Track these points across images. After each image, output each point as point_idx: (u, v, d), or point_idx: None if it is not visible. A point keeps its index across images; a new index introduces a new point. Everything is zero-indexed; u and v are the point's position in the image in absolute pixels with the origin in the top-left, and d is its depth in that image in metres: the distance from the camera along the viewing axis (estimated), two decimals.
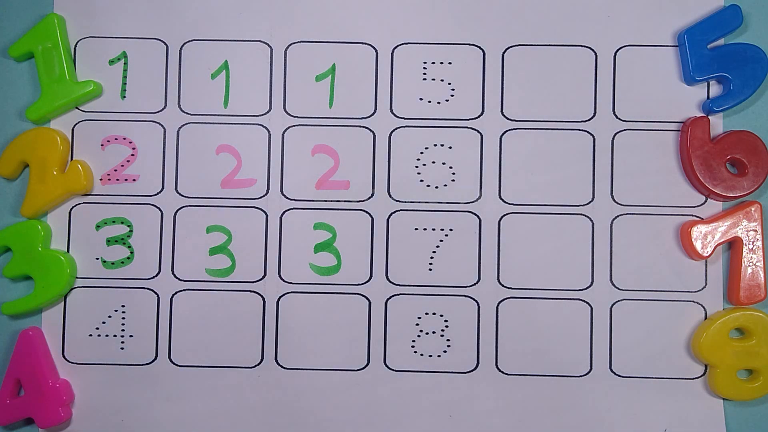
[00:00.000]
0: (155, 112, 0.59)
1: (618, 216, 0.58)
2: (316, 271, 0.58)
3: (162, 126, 0.59)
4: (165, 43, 0.59)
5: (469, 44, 0.59)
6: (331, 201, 0.58)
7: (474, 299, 0.58)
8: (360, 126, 0.59)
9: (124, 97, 0.59)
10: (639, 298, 0.58)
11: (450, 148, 0.58)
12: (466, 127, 0.59)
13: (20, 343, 0.57)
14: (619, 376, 0.57)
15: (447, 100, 0.59)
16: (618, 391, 0.57)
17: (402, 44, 0.59)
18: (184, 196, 0.59)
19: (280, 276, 0.58)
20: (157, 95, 0.59)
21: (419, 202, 0.58)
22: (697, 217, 0.58)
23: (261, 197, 0.59)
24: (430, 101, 0.59)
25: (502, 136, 0.58)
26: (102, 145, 0.59)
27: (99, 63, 0.59)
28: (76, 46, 0.59)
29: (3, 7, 0.59)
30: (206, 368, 0.58)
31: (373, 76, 0.59)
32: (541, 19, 0.59)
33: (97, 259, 0.59)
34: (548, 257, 0.58)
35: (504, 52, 0.59)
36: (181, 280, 0.58)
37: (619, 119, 0.58)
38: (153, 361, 0.58)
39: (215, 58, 0.59)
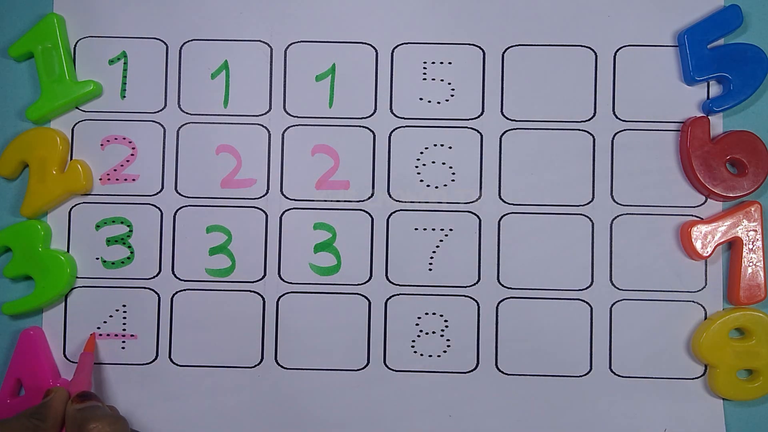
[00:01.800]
0: (155, 112, 0.59)
1: (618, 216, 0.58)
2: (316, 271, 0.58)
3: (162, 126, 0.59)
4: (165, 43, 0.59)
5: (469, 44, 0.59)
6: (331, 201, 0.58)
7: (474, 299, 0.58)
8: (360, 126, 0.59)
9: (124, 96, 0.59)
10: (639, 298, 0.58)
11: (450, 148, 0.58)
12: (466, 127, 0.59)
13: (21, 342, 0.57)
14: (618, 376, 0.57)
15: (447, 100, 0.59)
16: (618, 391, 0.57)
17: (402, 44, 0.59)
18: (184, 196, 0.59)
19: (280, 276, 0.58)
20: (156, 95, 0.59)
21: (419, 202, 0.58)
22: (697, 217, 0.58)
23: (261, 197, 0.59)
24: (430, 101, 0.59)
25: (502, 136, 0.58)
26: (102, 144, 0.59)
27: (99, 63, 0.59)
28: (75, 46, 0.59)
29: (3, 7, 0.59)
30: (206, 368, 0.58)
31: (373, 76, 0.59)
32: (541, 19, 0.59)
33: (98, 258, 0.59)
34: (548, 257, 0.58)
35: (504, 52, 0.59)
36: (182, 280, 0.58)
37: (619, 119, 0.58)
38: (153, 360, 0.58)
39: (215, 58, 0.59)
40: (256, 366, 0.58)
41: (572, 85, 0.58)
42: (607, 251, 0.58)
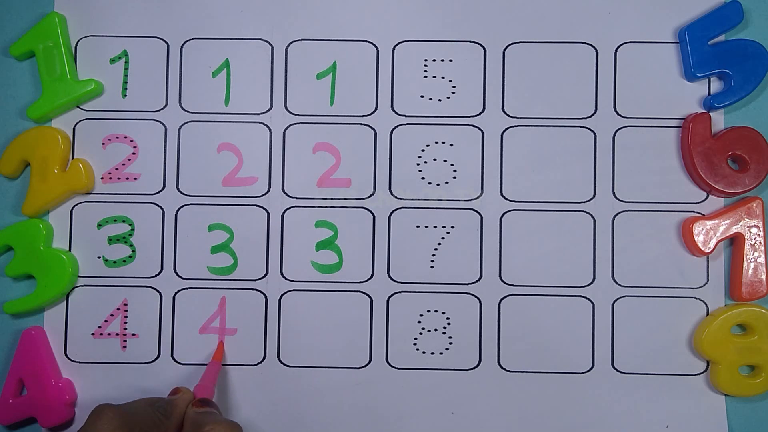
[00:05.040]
0: (156, 111, 0.59)
1: (619, 213, 0.58)
2: (318, 269, 0.58)
3: (163, 124, 0.59)
4: (166, 42, 0.59)
5: (470, 41, 0.59)
6: (333, 199, 0.58)
7: (476, 296, 0.58)
8: (361, 123, 0.59)
9: (125, 95, 0.59)
10: (641, 294, 0.58)
11: (451, 145, 0.59)
12: (468, 125, 0.59)
13: (22, 342, 0.57)
14: (621, 372, 0.57)
15: (448, 98, 0.59)
16: (620, 388, 0.57)
17: (403, 42, 0.59)
18: (186, 195, 0.59)
19: (282, 274, 0.58)
20: (158, 94, 0.59)
21: (421, 200, 0.58)
22: (699, 213, 0.58)
23: (262, 195, 0.59)
24: (431, 99, 0.59)
25: (503, 133, 0.58)
26: (103, 143, 0.59)
27: (100, 62, 0.59)
28: (77, 44, 0.59)
29: (4, 6, 0.59)
30: None
31: (374, 73, 0.59)
32: (542, 16, 0.59)
33: (99, 257, 0.59)
34: (550, 254, 0.58)
35: (505, 50, 0.59)
36: (183, 279, 0.58)
37: (621, 116, 0.58)
38: (155, 359, 0.58)
39: (216, 57, 0.59)
40: (258, 364, 0.58)
41: (573, 82, 0.58)
42: (608, 248, 0.58)
